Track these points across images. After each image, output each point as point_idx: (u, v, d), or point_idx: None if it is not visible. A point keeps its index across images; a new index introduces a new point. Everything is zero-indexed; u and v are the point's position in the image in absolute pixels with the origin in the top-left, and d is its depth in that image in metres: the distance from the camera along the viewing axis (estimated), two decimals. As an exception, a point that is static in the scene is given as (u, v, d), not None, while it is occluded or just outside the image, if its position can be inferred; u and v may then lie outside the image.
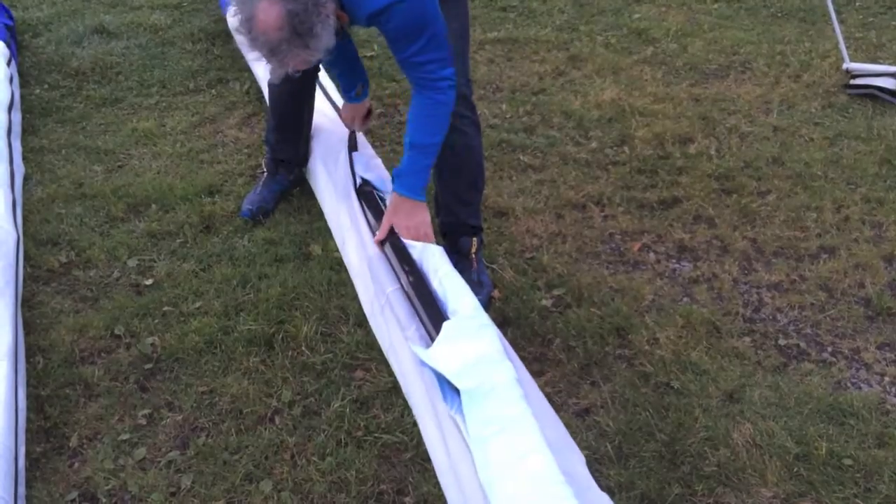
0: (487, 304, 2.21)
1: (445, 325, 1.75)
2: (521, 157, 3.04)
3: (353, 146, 2.53)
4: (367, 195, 2.33)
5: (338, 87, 2.42)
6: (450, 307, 1.84)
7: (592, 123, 3.26)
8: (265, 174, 2.73)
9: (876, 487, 1.72)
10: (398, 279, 2.00)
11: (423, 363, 1.71)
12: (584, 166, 2.98)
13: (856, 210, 2.69)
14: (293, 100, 2.56)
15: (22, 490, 1.69)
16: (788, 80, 3.61)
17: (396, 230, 2.07)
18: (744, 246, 2.54)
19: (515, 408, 1.54)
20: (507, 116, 3.35)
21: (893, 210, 2.67)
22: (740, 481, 1.74)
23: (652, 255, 2.53)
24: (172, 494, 1.73)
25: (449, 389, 1.64)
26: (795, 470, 1.76)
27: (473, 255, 2.33)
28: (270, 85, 2.61)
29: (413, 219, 2.06)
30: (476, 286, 2.13)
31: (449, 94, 1.96)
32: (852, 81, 3.47)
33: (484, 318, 1.78)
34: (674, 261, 2.50)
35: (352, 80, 2.46)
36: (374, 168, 2.50)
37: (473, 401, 1.56)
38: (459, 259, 2.24)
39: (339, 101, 2.75)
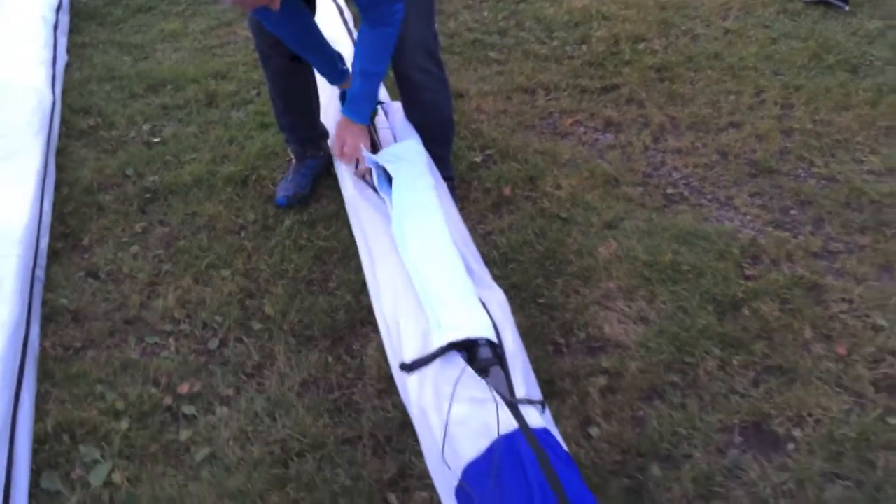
0: None
1: (385, 149, 2.21)
2: (489, 54, 3.45)
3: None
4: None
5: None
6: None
7: (560, 26, 3.64)
8: (293, 162, 2.60)
9: (700, 283, 2.12)
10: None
11: (368, 159, 2.15)
12: (542, 60, 3.37)
13: (773, 94, 3.01)
14: (288, 77, 2.38)
15: (41, 273, 2.24)
16: (752, -10, 3.88)
17: (339, 145, 2.22)
18: (663, 121, 2.91)
19: (428, 197, 1.99)
20: (487, 21, 3.74)
21: (807, 94, 2.98)
22: (592, 277, 2.17)
23: (582, 128, 2.92)
24: (155, 274, 2.26)
25: (384, 181, 2.09)
26: (640, 271, 2.17)
27: None
28: (266, 67, 2.40)
29: (356, 140, 2.19)
30: None
31: (397, 25, 2.02)
32: (808, -11, 3.72)
33: (421, 147, 2.21)
34: (599, 132, 2.89)
35: (329, 63, 2.26)
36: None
37: (399, 189, 2.01)
38: None
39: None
